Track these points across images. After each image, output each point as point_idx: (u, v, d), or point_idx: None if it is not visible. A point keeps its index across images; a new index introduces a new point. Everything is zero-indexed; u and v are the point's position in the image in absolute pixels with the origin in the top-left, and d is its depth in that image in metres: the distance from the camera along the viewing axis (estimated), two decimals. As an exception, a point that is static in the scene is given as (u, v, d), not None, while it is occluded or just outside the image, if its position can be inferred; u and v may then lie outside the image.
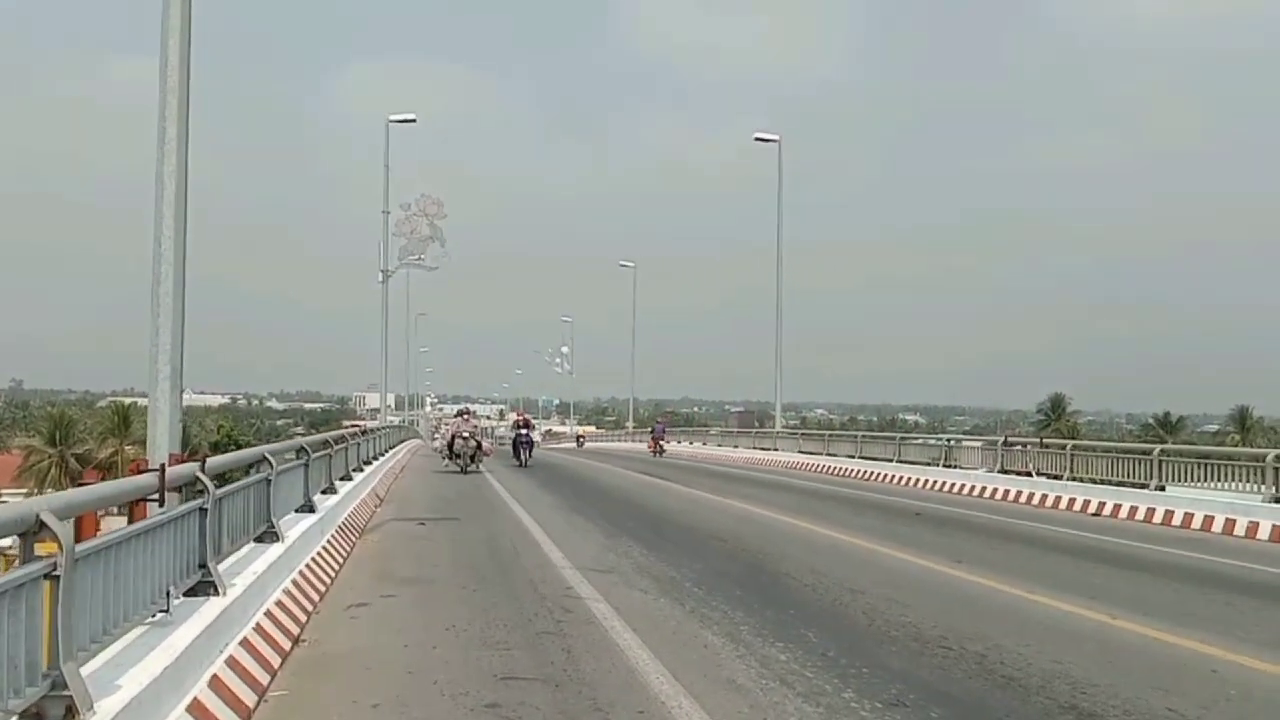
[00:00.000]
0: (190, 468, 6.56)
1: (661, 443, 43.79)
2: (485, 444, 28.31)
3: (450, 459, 27.36)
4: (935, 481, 24.96)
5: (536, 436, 30.38)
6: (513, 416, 43.76)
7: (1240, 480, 17.08)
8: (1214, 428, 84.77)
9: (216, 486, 6.79)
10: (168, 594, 5.53)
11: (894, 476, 27.06)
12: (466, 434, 27.00)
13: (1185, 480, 18.24)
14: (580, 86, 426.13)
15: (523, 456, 31.15)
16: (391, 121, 37.49)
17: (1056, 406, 70.88)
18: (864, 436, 33.35)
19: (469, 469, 26.37)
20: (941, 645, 7.40)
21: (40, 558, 4.05)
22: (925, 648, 7.34)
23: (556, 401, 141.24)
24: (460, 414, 29.56)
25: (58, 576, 4.03)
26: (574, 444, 65.55)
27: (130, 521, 6.12)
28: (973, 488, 23.00)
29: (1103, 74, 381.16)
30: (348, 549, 11.45)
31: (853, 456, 31.05)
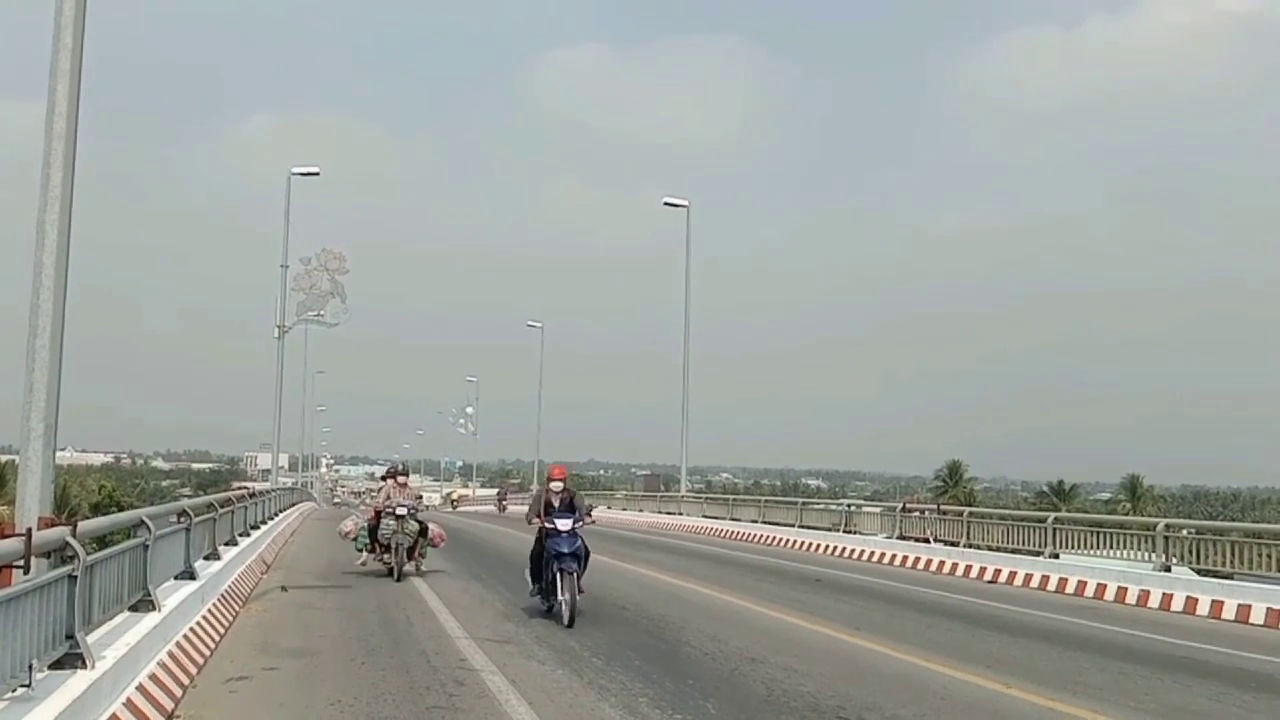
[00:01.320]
0: (60, 532, 6.29)
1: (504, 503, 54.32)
2: (433, 528, 16.95)
3: (372, 550, 16.54)
4: (836, 547, 25.24)
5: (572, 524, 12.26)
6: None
7: (1132, 548, 17.66)
8: (1106, 495, 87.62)
9: (90, 552, 6.52)
10: (30, 667, 5.27)
11: (796, 541, 27.29)
12: (403, 510, 16.03)
13: (1078, 548, 18.77)
14: (487, 147, 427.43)
15: (567, 592, 11.79)
16: (294, 174, 37.07)
17: (954, 473, 72.48)
18: (767, 501, 33.67)
19: (404, 569, 15.96)
20: (839, 716, 7.43)
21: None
22: (822, 718, 7.37)
23: (460, 463, 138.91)
24: (390, 475, 17.39)
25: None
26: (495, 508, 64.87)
27: (-9, 589, 5.84)
28: (872, 553, 23.32)
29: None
30: (230, 618, 11.06)
31: (756, 521, 31.28)
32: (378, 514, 16.22)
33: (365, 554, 16.58)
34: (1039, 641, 11.88)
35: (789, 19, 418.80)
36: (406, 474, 17.51)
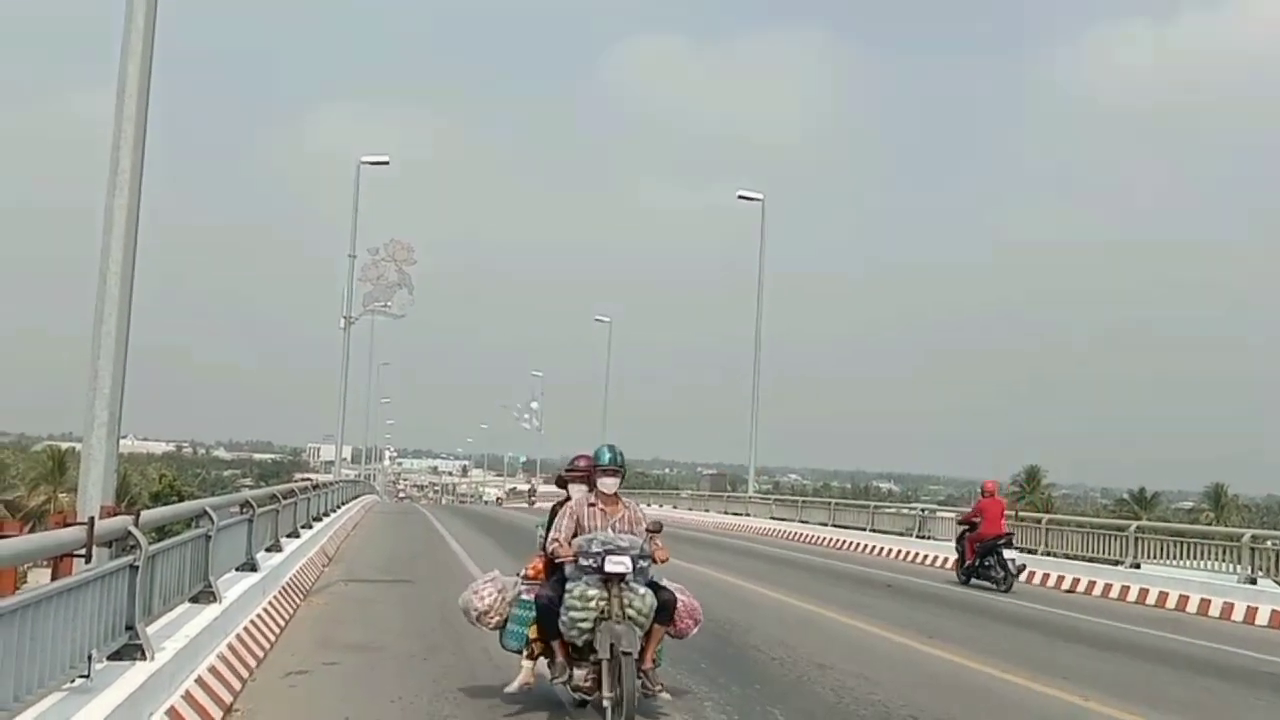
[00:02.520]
0: (123, 521, 6.33)
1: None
2: (681, 599, 7.43)
3: (541, 653, 7.28)
4: (908, 552, 24.82)
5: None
6: None
7: (1215, 559, 17.09)
8: (1189, 504, 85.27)
9: (151, 542, 6.56)
10: (89, 658, 5.29)
11: (867, 546, 26.90)
12: (623, 560, 6.64)
13: (1160, 558, 18.24)
14: (562, 137, 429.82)
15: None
16: (364, 163, 37.36)
17: (1032, 479, 71.04)
18: (837, 504, 33.23)
19: (632, 704, 6.35)
20: (911, 727, 7.23)
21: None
22: (894, 730, 7.17)
23: (524, 458, 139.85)
24: (582, 474, 7.50)
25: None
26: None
27: (54, 577, 5.89)
28: (945, 559, 22.88)
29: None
30: (291, 611, 11.13)
31: (825, 524, 30.91)
32: (549, 566, 7.40)
33: (525, 660, 7.47)
34: (1119, 653, 11.53)
35: (871, 11, 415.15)
36: (620, 470, 7.24)
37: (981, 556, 18.27)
